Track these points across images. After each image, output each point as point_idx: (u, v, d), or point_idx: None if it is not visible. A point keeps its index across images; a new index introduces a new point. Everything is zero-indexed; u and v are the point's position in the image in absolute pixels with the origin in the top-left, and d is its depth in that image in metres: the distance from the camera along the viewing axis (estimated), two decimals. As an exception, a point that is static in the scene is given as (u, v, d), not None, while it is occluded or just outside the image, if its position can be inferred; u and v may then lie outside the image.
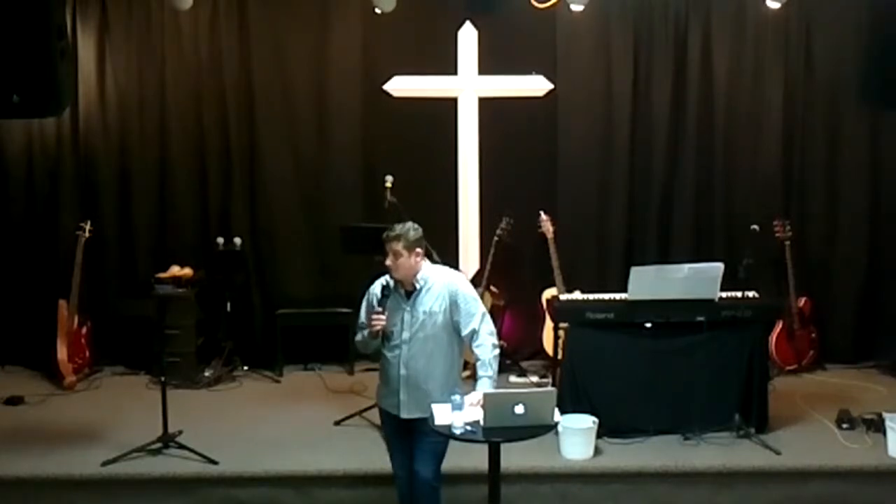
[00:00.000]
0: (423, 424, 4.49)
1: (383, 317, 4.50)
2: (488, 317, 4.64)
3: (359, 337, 4.71)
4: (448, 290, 4.55)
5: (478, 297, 4.67)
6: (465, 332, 4.57)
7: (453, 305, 4.54)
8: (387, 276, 4.64)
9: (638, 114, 7.36)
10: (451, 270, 4.78)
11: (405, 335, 4.54)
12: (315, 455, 5.60)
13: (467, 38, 7.28)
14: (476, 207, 7.42)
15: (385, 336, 4.55)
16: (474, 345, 4.58)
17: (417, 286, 4.55)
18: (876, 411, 5.87)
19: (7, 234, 7.38)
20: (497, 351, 4.59)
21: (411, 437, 4.63)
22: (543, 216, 7.00)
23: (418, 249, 4.53)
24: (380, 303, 4.54)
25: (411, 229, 4.54)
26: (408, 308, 4.54)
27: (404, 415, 4.58)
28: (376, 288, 4.64)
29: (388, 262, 4.51)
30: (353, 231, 6.52)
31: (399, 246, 4.48)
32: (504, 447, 4.31)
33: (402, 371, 4.55)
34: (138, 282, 7.30)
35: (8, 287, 7.37)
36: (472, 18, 7.25)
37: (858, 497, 5.40)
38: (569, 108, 7.36)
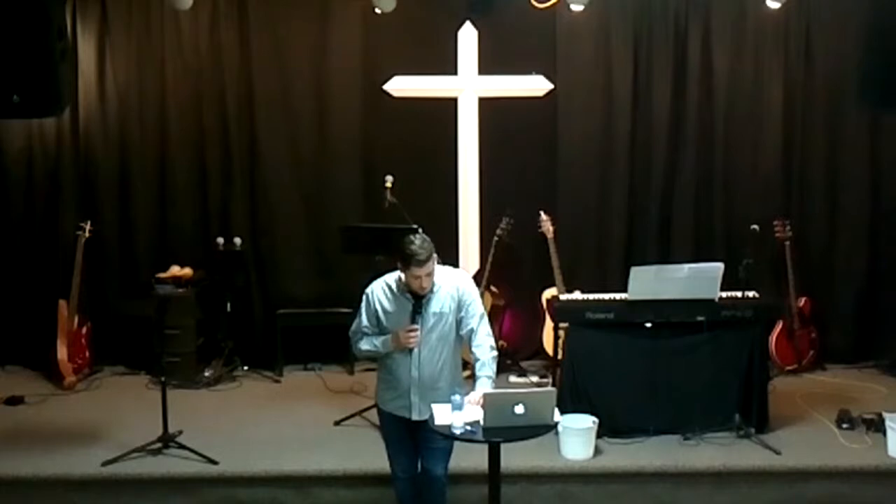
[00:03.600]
0: None
1: (418, 332, 4.47)
2: (486, 318, 4.65)
3: (366, 346, 4.63)
4: (456, 289, 4.56)
5: (479, 298, 4.68)
6: (463, 330, 4.58)
7: (459, 305, 4.55)
8: (385, 280, 4.61)
9: (638, 114, 7.36)
10: (455, 270, 4.80)
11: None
12: (315, 455, 5.60)
13: (467, 38, 7.28)
14: (476, 207, 7.43)
15: None
16: (473, 345, 4.58)
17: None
18: (876, 411, 5.87)
19: (7, 234, 7.38)
20: (495, 352, 4.60)
21: (419, 438, 4.62)
22: (543, 216, 7.01)
23: (436, 259, 4.53)
24: (413, 319, 4.49)
25: (427, 242, 4.45)
26: (418, 311, 4.52)
27: (416, 417, 4.56)
28: (378, 293, 4.60)
29: (425, 284, 4.43)
30: (353, 231, 6.52)
31: (433, 265, 4.43)
32: (504, 447, 4.32)
33: (415, 373, 4.53)
34: (138, 282, 7.31)
35: (8, 287, 7.37)
36: (472, 18, 7.25)
37: (858, 497, 5.40)
38: (569, 108, 7.36)
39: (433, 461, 4.60)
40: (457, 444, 4.42)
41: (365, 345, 4.63)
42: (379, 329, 4.60)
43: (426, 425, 4.48)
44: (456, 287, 4.57)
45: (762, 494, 5.41)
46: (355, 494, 5.39)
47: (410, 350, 4.51)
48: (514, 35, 7.25)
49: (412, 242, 4.39)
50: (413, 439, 4.66)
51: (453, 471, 5.03)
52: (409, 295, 4.52)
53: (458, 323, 4.58)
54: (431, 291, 4.52)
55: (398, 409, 4.62)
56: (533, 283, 7.26)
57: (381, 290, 4.61)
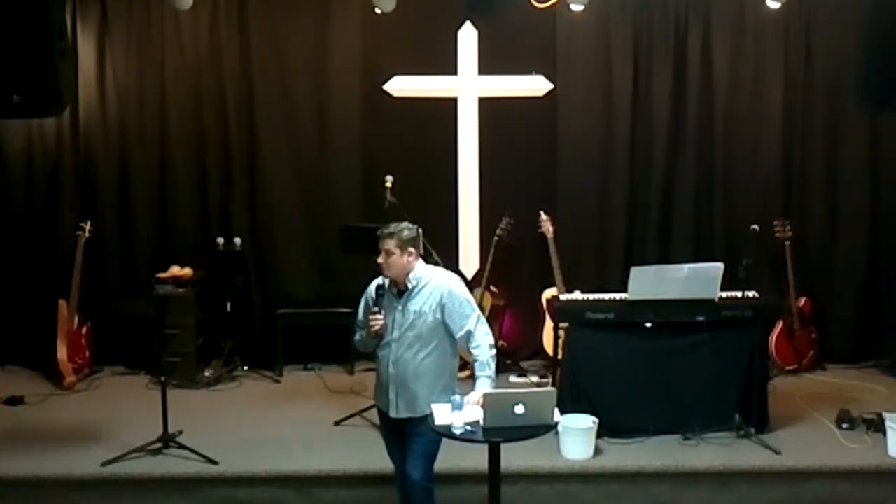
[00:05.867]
0: (413, 426, 4.53)
1: (380, 317, 4.53)
2: (483, 318, 4.64)
3: (357, 336, 4.75)
4: (439, 291, 4.55)
5: (472, 299, 4.66)
6: (459, 333, 4.56)
7: (443, 307, 4.53)
8: (384, 277, 4.65)
9: (638, 114, 7.36)
10: (446, 272, 4.77)
11: (395, 334, 4.55)
12: (315, 455, 5.61)
13: (467, 38, 7.28)
14: (476, 207, 7.43)
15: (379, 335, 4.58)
16: (471, 346, 4.58)
17: (410, 286, 4.55)
18: (876, 411, 5.87)
19: (7, 234, 7.38)
20: (494, 351, 4.60)
21: (403, 437, 4.64)
22: (543, 216, 7.00)
23: (411, 249, 4.53)
24: (375, 303, 4.57)
25: (405, 228, 4.55)
26: (399, 307, 4.55)
27: (393, 414, 4.60)
28: (372, 288, 4.68)
29: (381, 259, 4.53)
30: (353, 231, 6.52)
31: (391, 244, 4.49)
32: (504, 447, 4.31)
33: (392, 370, 4.57)
34: (138, 282, 7.30)
35: (8, 287, 7.37)
36: (472, 18, 7.25)
37: (858, 497, 5.40)
38: (569, 108, 7.36)
39: (410, 463, 4.60)
40: (457, 444, 4.42)
41: (356, 336, 4.76)
42: None
43: (406, 426, 4.56)
44: (439, 288, 4.55)
45: (762, 494, 5.41)
46: (355, 494, 5.39)
47: (390, 347, 4.55)
48: (514, 35, 7.25)
49: (391, 224, 4.57)
50: (399, 436, 4.68)
51: (454, 471, 5.05)
52: (394, 291, 4.58)
53: (447, 327, 4.56)
54: (414, 289, 4.54)
55: (382, 405, 4.68)
56: (533, 283, 7.26)
57: (374, 286, 4.68)
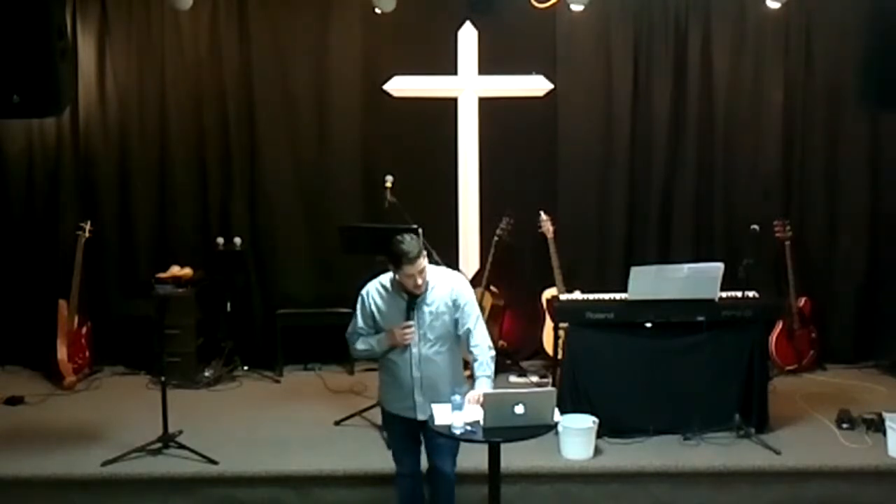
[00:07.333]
0: None
1: (413, 329, 4.50)
2: (482, 318, 4.67)
3: (362, 346, 4.66)
4: (451, 290, 4.57)
5: (475, 299, 4.69)
6: (460, 331, 4.59)
7: (455, 305, 4.56)
8: (380, 281, 4.63)
9: (638, 114, 7.36)
10: (451, 271, 4.80)
11: (415, 337, 4.53)
12: (315, 455, 5.60)
13: (467, 38, 7.28)
14: (476, 207, 7.43)
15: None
16: (470, 345, 4.60)
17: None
18: (876, 411, 5.87)
19: (7, 234, 7.38)
20: (493, 352, 4.62)
21: (426, 437, 4.63)
22: (543, 216, 7.01)
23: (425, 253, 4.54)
24: (408, 316, 4.51)
25: (416, 240, 4.48)
26: (414, 310, 4.53)
27: (422, 416, 4.56)
28: (373, 293, 4.63)
29: (419, 281, 4.44)
30: (352, 231, 6.51)
31: (424, 262, 4.45)
32: (504, 447, 4.32)
33: (416, 373, 4.55)
34: (138, 282, 7.30)
35: (8, 287, 7.37)
36: (472, 18, 7.25)
37: (858, 497, 5.39)
38: (569, 108, 7.36)
39: (441, 458, 4.62)
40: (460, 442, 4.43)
41: (361, 345, 4.67)
42: (375, 329, 4.63)
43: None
44: (451, 288, 4.58)
45: (762, 494, 5.41)
46: (355, 494, 5.39)
47: (410, 351, 4.53)
48: (514, 35, 7.24)
49: (401, 242, 4.41)
50: (419, 438, 4.69)
51: (453, 471, 5.03)
52: (404, 294, 4.54)
53: (455, 323, 4.59)
54: (426, 290, 4.53)
55: (403, 411, 4.63)
56: (533, 283, 7.26)
57: (375, 291, 4.63)
